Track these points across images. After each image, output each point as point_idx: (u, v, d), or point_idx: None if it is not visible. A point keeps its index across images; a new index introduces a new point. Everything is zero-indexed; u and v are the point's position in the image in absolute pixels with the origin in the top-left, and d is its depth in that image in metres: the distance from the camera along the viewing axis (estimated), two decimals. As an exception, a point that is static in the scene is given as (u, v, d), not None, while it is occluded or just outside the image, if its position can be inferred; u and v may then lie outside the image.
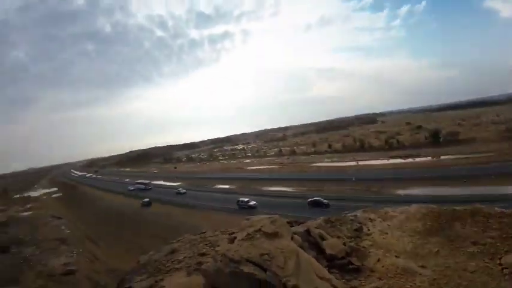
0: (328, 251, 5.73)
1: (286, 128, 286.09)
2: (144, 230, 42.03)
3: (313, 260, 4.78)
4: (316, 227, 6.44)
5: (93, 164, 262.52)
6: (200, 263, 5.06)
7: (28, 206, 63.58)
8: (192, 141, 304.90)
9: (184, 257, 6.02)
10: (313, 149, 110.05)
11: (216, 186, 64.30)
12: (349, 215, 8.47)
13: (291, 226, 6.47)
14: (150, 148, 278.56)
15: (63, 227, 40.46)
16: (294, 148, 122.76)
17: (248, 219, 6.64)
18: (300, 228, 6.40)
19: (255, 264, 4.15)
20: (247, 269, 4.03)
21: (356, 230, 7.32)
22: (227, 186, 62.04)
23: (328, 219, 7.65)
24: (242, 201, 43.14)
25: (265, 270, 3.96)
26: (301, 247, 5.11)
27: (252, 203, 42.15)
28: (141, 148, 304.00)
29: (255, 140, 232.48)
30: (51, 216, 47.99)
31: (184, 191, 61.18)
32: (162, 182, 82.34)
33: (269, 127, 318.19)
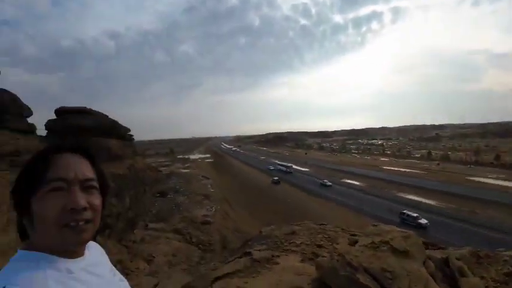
0: (465, 291, 4.56)
1: (441, 127, 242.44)
2: (272, 205, 45.62)
3: (446, 296, 3.90)
4: (457, 258, 5.18)
5: (239, 140, 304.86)
6: (316, 254, 5.02)
7: (187, 165, 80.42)
8: (326, 129, 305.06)
9: (302, 243, 6.11)
10: (473, 158, 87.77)
11: (343, 180, 62.12)
12: (504, 253, 6.41)
13: (426, 248, 5.47)
14: (285, 132, 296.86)
15: (209, 186, 49.00)
16: (448, 153, 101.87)
17: (376, 225, 6.06)
18: (437, 254, 5.31)
19: (373, 277, 3.76)
20: (363, 279, 3.70)
21: (506, 274, 5.48)
22: (356, 183, 58.84)
23: (475, 253, 6.01)
24: (409, 215, 34.24)
25: (383, 287, 3.52)
26: (433, 276, 4.24)
27: (423, 221, 32.84)
28: (278, 131, 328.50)
29: (397, 136, 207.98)
30: (201, 176, 58.99)
31: (330, 183, 56.32)
32: (293, 165, 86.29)
33: (418, 123, 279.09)
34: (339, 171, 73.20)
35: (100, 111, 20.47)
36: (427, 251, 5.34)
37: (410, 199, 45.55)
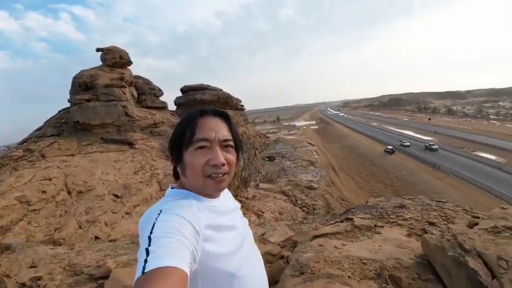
0: None
1: None
2: (379, 174, 42.79)
3: None
4: None
5: (346, 105, 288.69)
6: (425, 231, 4.74)
7: (292, 132, 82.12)
8: (457, 90, 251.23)
9: (411, 217, 5.76)
10: None
11: (476, 153, 51.47)
12: None
13: None
14: (403, 94, 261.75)
15: (314, 153, 49.27)
16: None
17: (505, 208, 5.10)
18: None
19: (485, 263, 3.32)
20: (473, 263, 3.30)
21: None
22: (493, 157, 47.82)
23: None
24: None
25: (494, 276, 3.06)
26: None
27: None
28: (393, 93, 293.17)
29: None
30: (307, 143, 59.59)
31: (436, 147, 53.94)
32: (411, 133, 76.75)
33: None
34: (471, 141, 60.73)
35: (215, 85, 23.51)
36: None
37: None
